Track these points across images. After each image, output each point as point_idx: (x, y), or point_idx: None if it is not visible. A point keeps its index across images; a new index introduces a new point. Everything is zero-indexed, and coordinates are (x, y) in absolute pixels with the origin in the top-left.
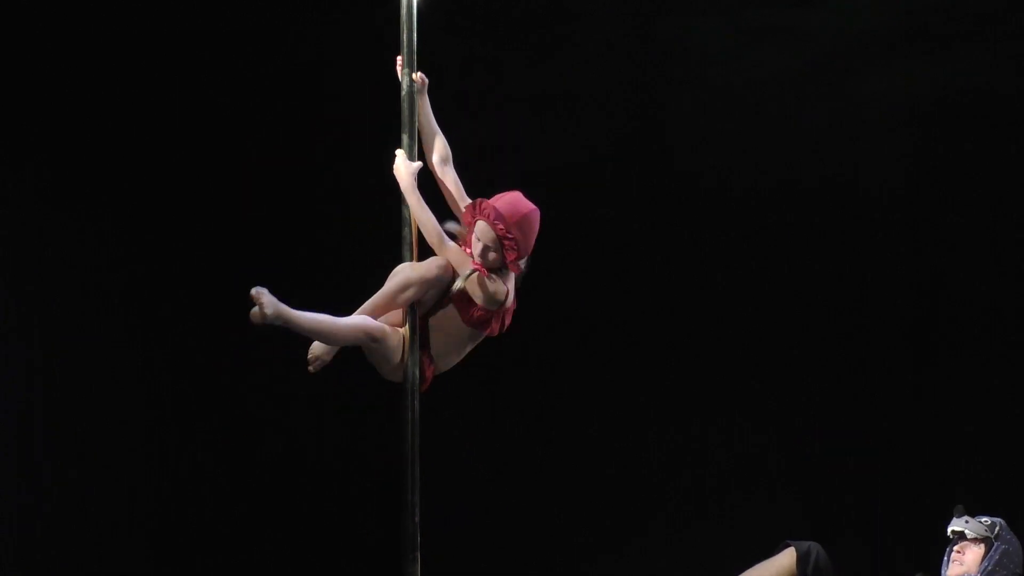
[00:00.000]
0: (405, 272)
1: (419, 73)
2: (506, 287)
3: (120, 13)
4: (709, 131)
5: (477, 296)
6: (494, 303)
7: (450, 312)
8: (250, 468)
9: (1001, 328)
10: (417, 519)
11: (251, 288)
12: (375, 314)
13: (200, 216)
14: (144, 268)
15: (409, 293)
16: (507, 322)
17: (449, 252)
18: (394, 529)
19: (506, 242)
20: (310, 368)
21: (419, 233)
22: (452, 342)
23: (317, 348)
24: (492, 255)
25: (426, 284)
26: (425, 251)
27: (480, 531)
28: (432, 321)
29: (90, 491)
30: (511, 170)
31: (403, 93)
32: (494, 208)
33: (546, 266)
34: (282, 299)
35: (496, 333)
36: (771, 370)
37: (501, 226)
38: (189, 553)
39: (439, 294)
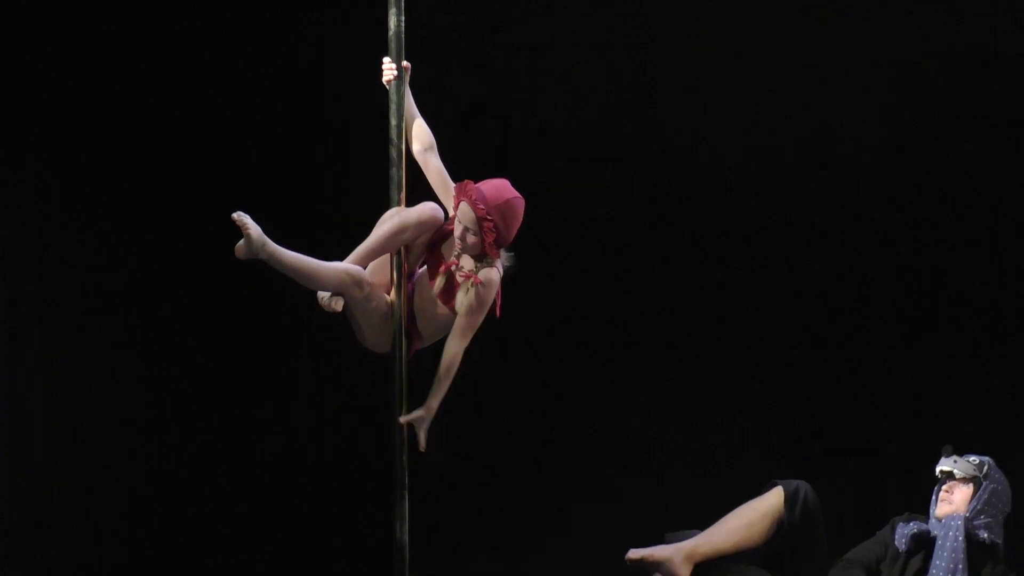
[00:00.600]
0: (400, 215)
1: (405, 62)
2: (496, 275)
3: (119, 13)
4: (688, 88)
5: (471, 306)
6: (483, 309)
7: (432, 299)
8: (237, 416)
9: (986, 281)
10: (405, 457)
11: (234, 214)
12: (366, 260)
13: (197, 214)
14: (140, 260)
15: (405, 236)
16: (498, 312)
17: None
18: (383, 469)
19: (485, 224)
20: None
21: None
22: (438, 324)
23: (323, 297)
24: (472, 238)
25: (421, 226)
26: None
27: (469, 469)
28: (416, 305)
29: (81, 486)
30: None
31: (387, 81)
32: (477, 189)
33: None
34: None
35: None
36: (752, 322)
37: (482, 207)
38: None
39: (427, 244)
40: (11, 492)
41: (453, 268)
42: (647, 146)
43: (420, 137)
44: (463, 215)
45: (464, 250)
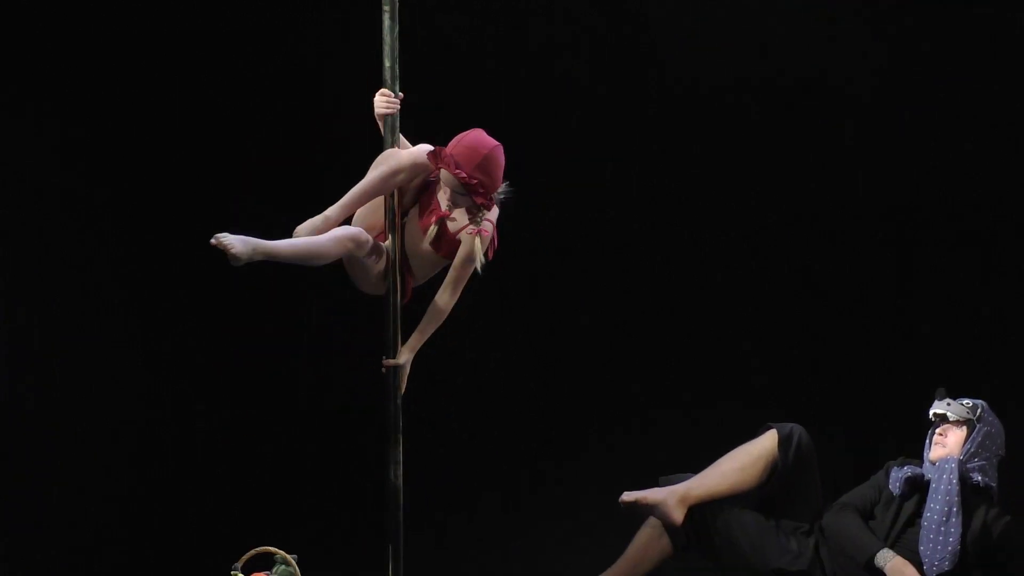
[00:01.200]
0: (395, 157)
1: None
2: (491, 226)
3: (118, 13)
4: (683, 31)
5: (473, 260)
6: (477, 260)
7: (424, 245)
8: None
9: (980, 227)
10: (399, 402)
11: (212, 240)
12: (360, 203)
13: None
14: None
15: (399, 178)
16: (490, 255)
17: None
18: (377, 414)
19: (470, 186)
20: None
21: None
22: (430, 263)
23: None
24: (462, 198)
25: (415, 169)
26: None
27: (463, 413)
28: (408, 248)
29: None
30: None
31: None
32: (452, 156)
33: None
34: None
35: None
36: (745, 268)
37: (463, 173)
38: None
39: (419, 186)
40: (8, 491)
41: (445, 218)
42: (642, 90)
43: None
44: (447, 181)
45: (457, 206)
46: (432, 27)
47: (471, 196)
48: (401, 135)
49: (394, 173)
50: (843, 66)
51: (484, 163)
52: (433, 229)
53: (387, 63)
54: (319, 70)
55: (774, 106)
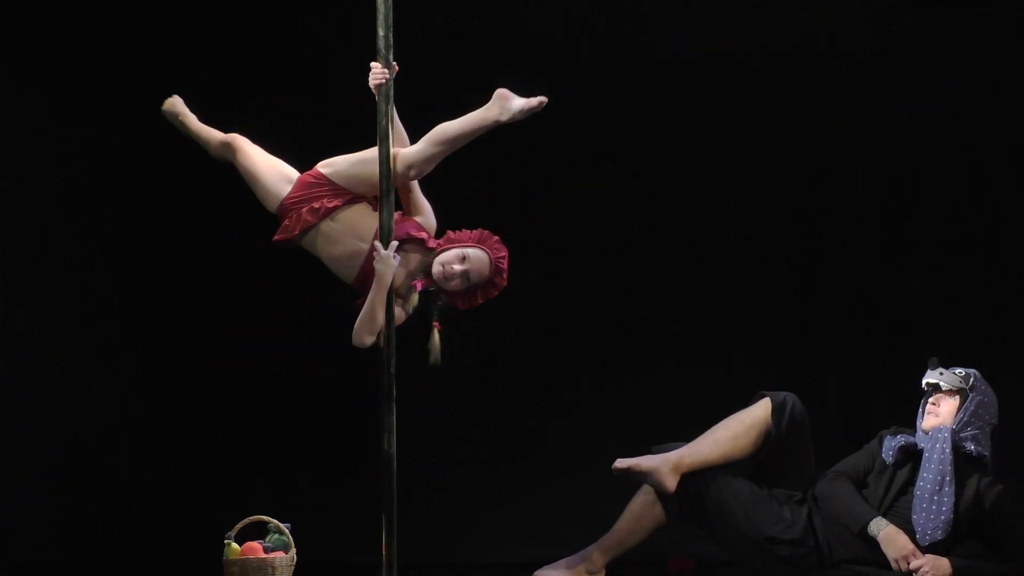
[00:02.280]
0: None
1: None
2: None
3: (116, 12)
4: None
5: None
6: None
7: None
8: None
9: (974, 195)
10: (393, 370)
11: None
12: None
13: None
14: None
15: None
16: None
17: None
18: (372, 381)
19: (493, 290)
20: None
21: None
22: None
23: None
24: (456, 283)
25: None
26: None
27: (456, 382)
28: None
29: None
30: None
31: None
32: (501, 248)
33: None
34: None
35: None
36: (741, 230)
37: (504, 276)
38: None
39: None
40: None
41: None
42: (636, 62)
43: (408, 159)
44: (476, 263)
45: (441, 284)
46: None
47: (476, 294)
48: (397, 118)
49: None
50: (833, 35)
51: (476, 298)
52: (415, 298)
53: (381, 32)
54: (318, 58)
55: (764, 78)
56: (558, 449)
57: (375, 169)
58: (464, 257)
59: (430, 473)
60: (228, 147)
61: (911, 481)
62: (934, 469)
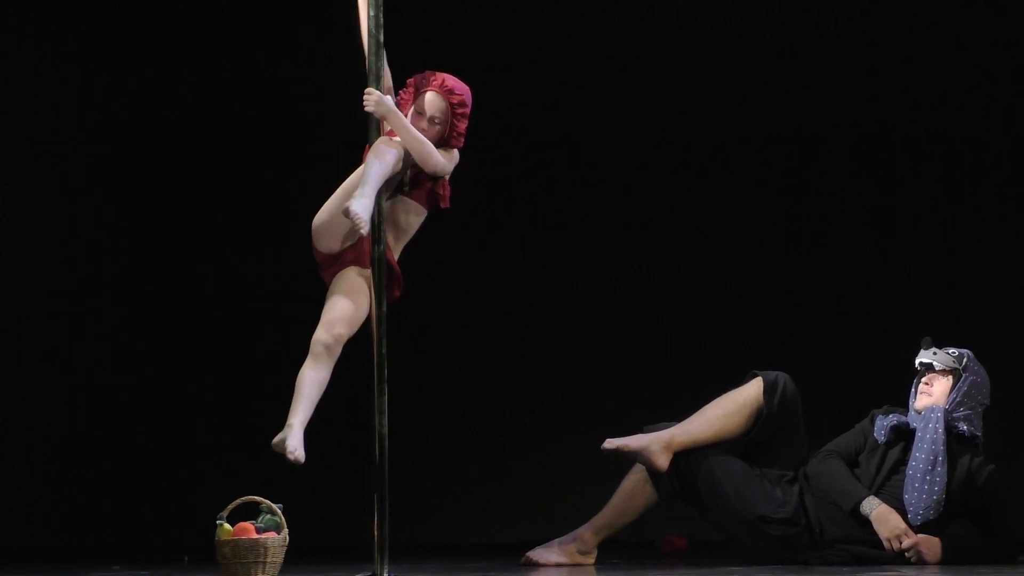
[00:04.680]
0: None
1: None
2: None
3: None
4: None
5: (448, 169)
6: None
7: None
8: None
9: (967, 170)
10: (384, 351)
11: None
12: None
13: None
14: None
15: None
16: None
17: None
18: (363, 364)
19: (459, 111)
20: None
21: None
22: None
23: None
24: (437, 128)
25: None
26: None
27: (448, 364)
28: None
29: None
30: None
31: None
32: (444, 78)
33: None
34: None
35: (447, 204)
36: (731, 208)
37: (457, 95)
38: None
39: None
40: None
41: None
42: (626, 29)
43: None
44: (431, 105)
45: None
46: None
47: (453, 123)
48: (388, 69)
49: (398, 161)
50: (823, 9)
51: (467, 95)
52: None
53: (371, 12)
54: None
55: (753, 45)
56: (549, 429)
57: None
58: (419, 113)
59: (421, 453)
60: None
61: (903, 460)
62: (926, 449)
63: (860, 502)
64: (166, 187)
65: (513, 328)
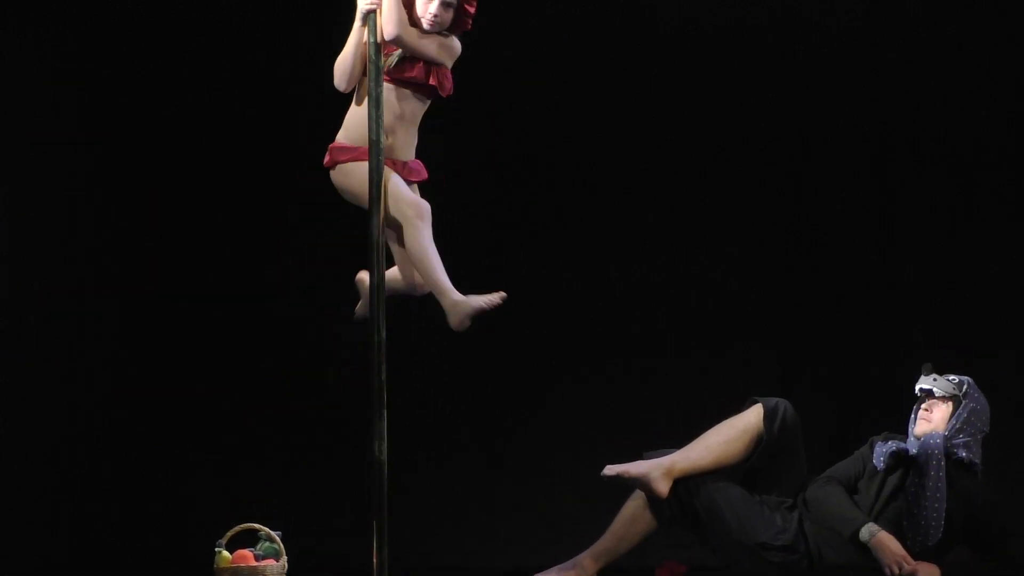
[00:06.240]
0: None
1: None
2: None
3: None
4: None
5: (443, 57)
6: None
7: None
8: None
9: (963, 160)
10: (384, 376)
11: None
12: None
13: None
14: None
15: None
16: (448, 84)
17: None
18: (362, 390)
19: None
20: None
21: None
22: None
23: None
24: (448, 13)
25: None
26: None
27: (447, 386)
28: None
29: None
30: None
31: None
32: None
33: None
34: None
35: (447, 93)
36: (737, 223)
37: None
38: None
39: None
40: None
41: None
42: (616, 37)
43: None
44: None
45: (435, 27)
46: None
47: (462, 6)
48: None
49: None
50: (824, 11)
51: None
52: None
53: (370, 39)
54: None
55: (754, 45)
56: (549, 453)
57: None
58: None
59: (420, 477)
60: None
61: (902, 487)
62: (926, 475)
63: (859, 528)
64: (166, 187)
65: (513, 353)
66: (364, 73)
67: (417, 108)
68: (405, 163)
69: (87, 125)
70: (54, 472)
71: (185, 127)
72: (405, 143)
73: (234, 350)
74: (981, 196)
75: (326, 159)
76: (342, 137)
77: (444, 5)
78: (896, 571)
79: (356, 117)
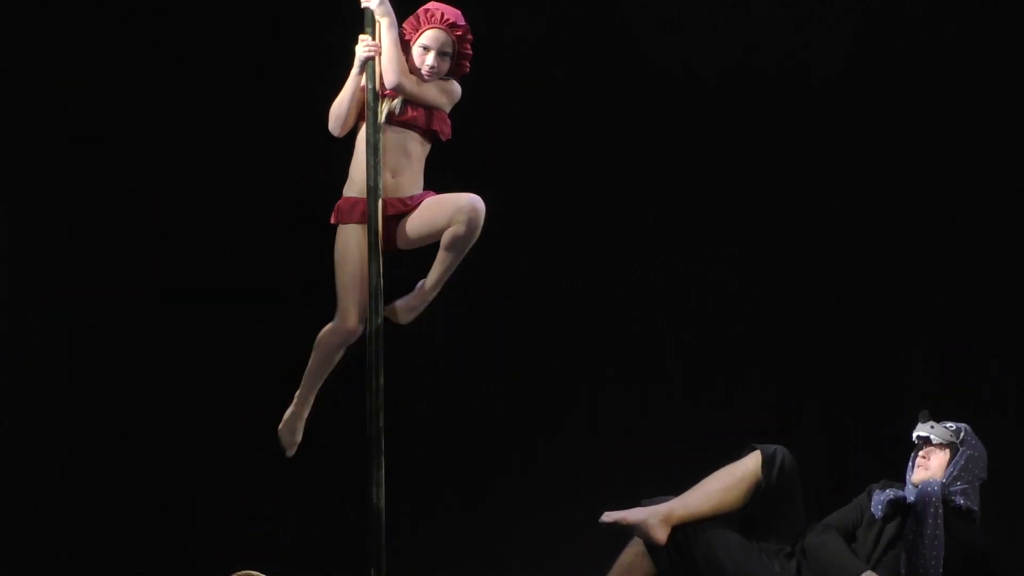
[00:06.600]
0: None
1: None
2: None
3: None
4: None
5: (442, 102)
6: (453, 102)
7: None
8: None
9: (957, 216)
10: (382, 424)
11: None
12: None
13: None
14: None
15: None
16: (447, 129)
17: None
18: (359, 437)
19: (463, 46)
20: None
21: None
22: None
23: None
24: (444, 63)
25: None
26: None
27: (445, 439)
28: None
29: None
30: None
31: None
32: (443, 11)
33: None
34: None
35: (447, 138)
36: (737, 223)
37: (459, 31)
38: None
39: None
40: None
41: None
42: (624, 66)
43: None
44: (434, 41)
45: (433, 77)
46: None
47: (458, 55)
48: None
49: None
50: (811, 41)
51: (467, 25)
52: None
53: (368, 84)
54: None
55: (749, 81)
56: (549, 505)
57: None
58: (425, 48)
59: (416, 522)
60: None
61: (900, 535)
62: (923, 522)
63: None
64: (166, 187)
65: (510, 391)
66: (359, 118)
67: (422, 149)
68: (411, 197)
69: (87, 125)
70: (54, 472)
71: (185, 127)
72: (411, 182)
73: (234, 351)
74: (980, 193)
75: (332, 219)
76: (349, 191)
77: (441, 55)
78: None
79: (361, 167)
